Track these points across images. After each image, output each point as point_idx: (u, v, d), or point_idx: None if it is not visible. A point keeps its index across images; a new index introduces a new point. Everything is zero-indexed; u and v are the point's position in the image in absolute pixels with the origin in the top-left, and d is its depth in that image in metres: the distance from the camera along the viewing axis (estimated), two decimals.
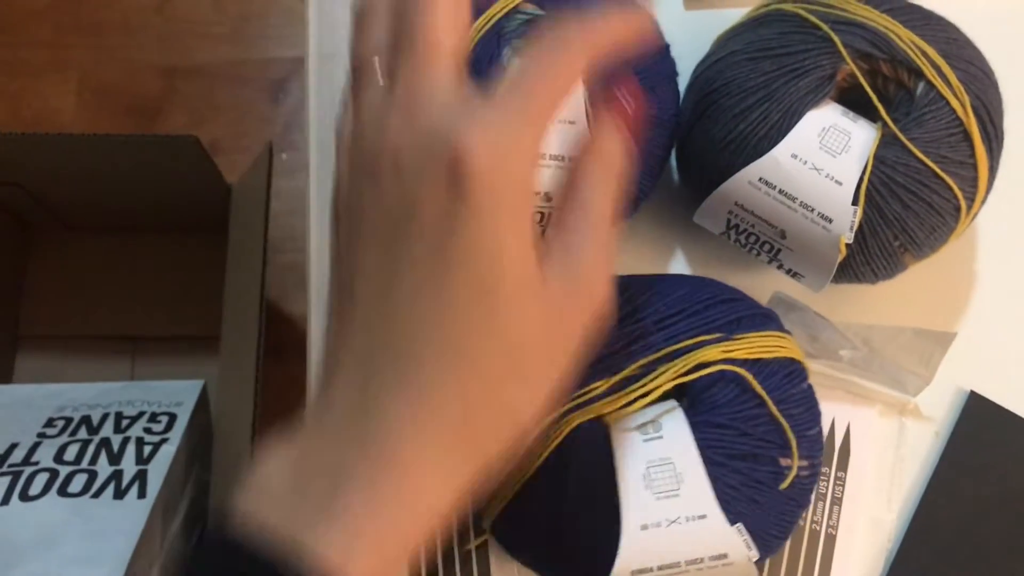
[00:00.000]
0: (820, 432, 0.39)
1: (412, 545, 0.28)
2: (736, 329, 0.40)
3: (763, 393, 0.37)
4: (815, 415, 0.39)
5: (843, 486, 0.44)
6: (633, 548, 0.35)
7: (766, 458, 0.36)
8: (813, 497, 0.45)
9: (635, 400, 0.38)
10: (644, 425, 0.36)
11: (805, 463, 0.37)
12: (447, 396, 0.27)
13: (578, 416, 0.37)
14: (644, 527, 0.35)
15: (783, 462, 0.36)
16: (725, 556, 0.36)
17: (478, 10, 0.42)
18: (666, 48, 0.45)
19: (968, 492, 0.45)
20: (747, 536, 0.36)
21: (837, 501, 0.44)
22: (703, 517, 0.35)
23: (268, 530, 0.27)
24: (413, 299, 0.28)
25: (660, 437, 0.36)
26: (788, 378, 0.39)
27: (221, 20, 1.17)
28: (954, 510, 0.44)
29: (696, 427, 0.37)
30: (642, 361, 0.39)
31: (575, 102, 0.40)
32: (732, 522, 0.35)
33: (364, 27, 0.31)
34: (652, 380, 0.38)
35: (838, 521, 0.44)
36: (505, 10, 0.43)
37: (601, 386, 0.38)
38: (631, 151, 0.30)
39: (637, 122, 0.30)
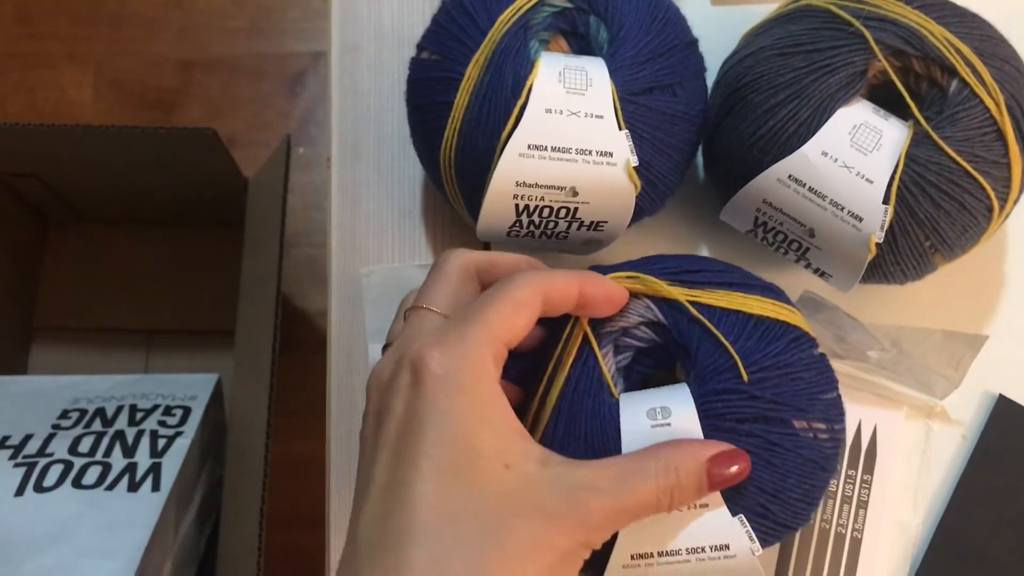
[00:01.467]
0: (839, 398, 0.38)
1: None
2: (724, 288, 0.39)
3: (721, 336, 0.37)
4: (830, 380, 0.38)
5: (869, 489, 0.44)
6: (634, 532, 0.35)
7: (777, 420, 0.36)
8: (838, 500, 0.44)
9: (635, 353, 0.39)
10: (653, 410, 0.36)
11: (823, 426, 0.36)
12: (429, 567, 0.29)
13: (580, 328, 0.38)
14: None
15: (797, 424, 0.36)
16: (727, 547, 0.35)
17: (504, 2, 0.42)
18: (694, 43, 0.44)
19: (996, 497, 0.44)
20: (748, 528, 0.35)
21: (863, 504, 0.44)
22: (704, 506, 0.35)
23: None
24: (388, 481, 0.31)
25: (668, 424, 0.35)
26: (794, 343, 0.38)
27: (239, 14, 1.17)
28: (981, 515, 0.44)
29: (703, 398, 0.36)
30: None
31: (602, 97, 0.40)
32: (776, 496, 0.35)
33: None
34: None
35: (863, 524, 0.43)
36: (531, 3, 0.42)
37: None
38: None
39: None
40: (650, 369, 0.40)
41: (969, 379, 0.44)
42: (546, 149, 0.40)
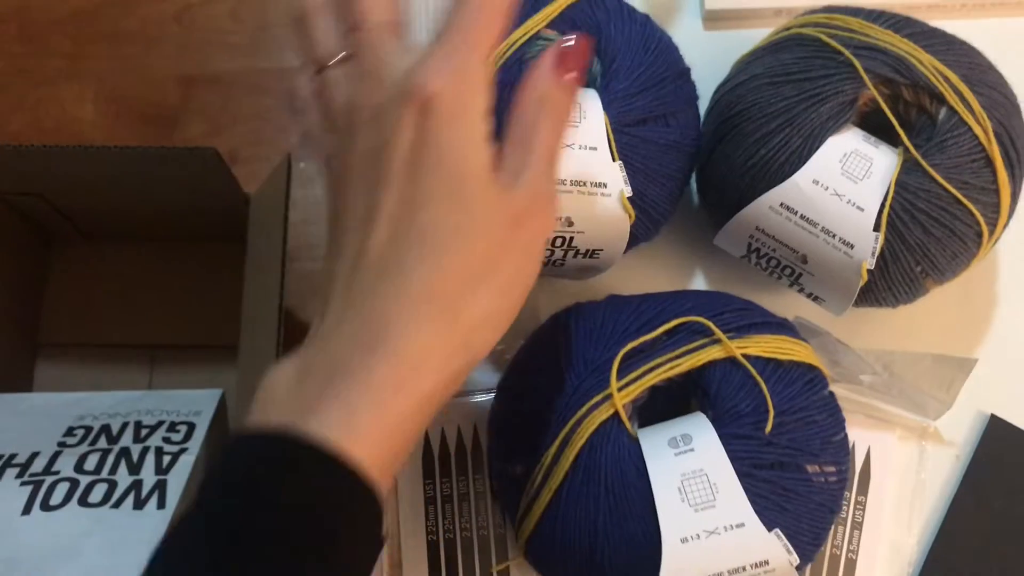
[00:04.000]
0: (846, 438, 0.39)
1: (410, 429, 0.31)
2: (748, 332, 0.40)
3: (767, 393, 0.38)
4: (839, 421, 0.39)
5: (863, 510, 0.44)
6: (675, 562, 0.35)
7: (792, 466, 0.37)
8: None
9: (649, 389, 0.39)
10: (674, 439, 0.37)
11: (832, 469, 0.37)
12: (431, 286, 0.31)
13: (598, 414, 0.38)
14: (684, 540, 0.36)
15: (810, 469, 0.37)
16: (766, 563, 0.36)
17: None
18: (686, 72, 0.45)
19: (989, 516, 0.45)
20: (785, 541, 0.36)
21: (857, 525, 0.44)
22: (741, 526, 0.35)
23: (272, 426, 0.29)
24: (394, 206, 0.31)
25: (692, 450, 0.36)
26: (808, 385, 0.39)
27: (239, 30, 1.17)
28: (975, 534, 0.45)
29: (721, 440, 0.37)
30: (658, 359, 0.39)
31: (595, 129, 0.41)
32: (769, 528, 0.36)
33: (308, 29, 0.36)
34: (665, 371, 0.39)
35: (858, 546, 0.44)
36: (526, 36, 0.43)
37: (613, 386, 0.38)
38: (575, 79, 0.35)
39: (578, 56, 0.34)
40: (664, 406, 0.41)
41: (961, 399, 0.45)
42: None
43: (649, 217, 0.43)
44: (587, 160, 0.41)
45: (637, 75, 0.43)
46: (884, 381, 0.44)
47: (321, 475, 0.28)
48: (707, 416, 0.39)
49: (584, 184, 0.41)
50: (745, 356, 0.39)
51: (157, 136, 1.10)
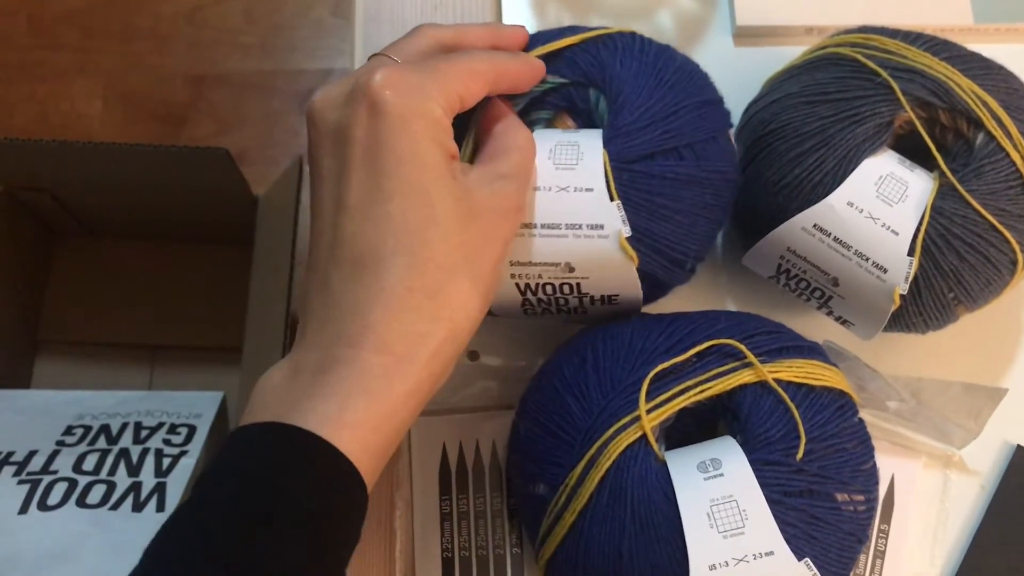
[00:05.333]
0: (875, 465, 0.38)
1: (401, 418, 0.32)
2: (780, 356, 0.39)
3: (799, 420, 0.37)
4: (868, 448, 0.38)
5: (886, 539, 0.44)
6: None
7: (822, 494, 0.36)
8: None
9: (681, 414, 0.39)
10: (703, 463, 0.36)
11: (861, 498, 0.37)
12: (409, 277, 0.32)
13: (625, 436, 0.37)
14: (712, 567, 0.35)
15: (839, 498, 0.36)
16: None
17: None
18: (712, 101, 0.42)
19: (1013, 547, 0.44)
20: (815, 571, 0.35)
21: (880, 555, 0.44)
22: (770, 554, 0.35)
23: (263, 421, 0.30)
24: (360, 195, 0.33)
25: (721, 475, 0.36)
26: (839, 411, 0.38)
27: (251, 30, 1.17)
28: (999, 566, 0.44)
29: (751, 466, 0.36)
30: (687, 382, 0.38)
31: (592, 170, 0.39)
32: (799, 557, 0.35)
33: None
34: (695, 394, 0.38)
35: (881, 574, 0.43)
36: None
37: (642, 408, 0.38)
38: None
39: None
40: (691, 428, 0.40)
41: (987, 429, 0.44)
42: (536, 227, 0.39)
43: (667, 257, 0.40)
44: (582, 202, 0.39)
45: (645, 109, 0.40)
46: (911, 408, 0.44)
47: (310, 462, 0.29)
48: (736, 440, 0.38)
49: (580, 227, 0.39)
50: (777, 381, 0.38)
51: (165, 134, 1.10)
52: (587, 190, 0.39)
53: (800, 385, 0.38)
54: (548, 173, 0.39)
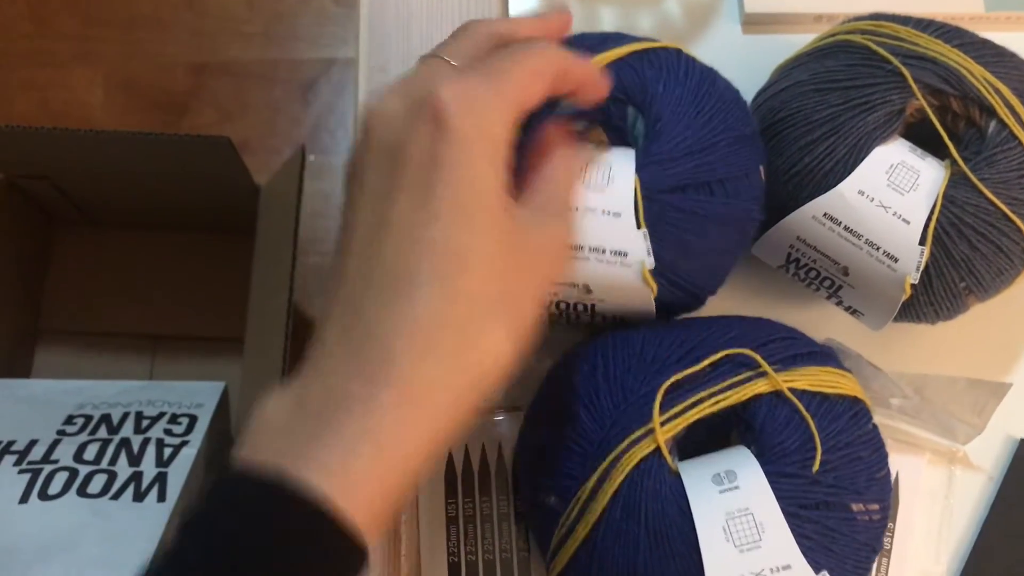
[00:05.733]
0: (888, 473, 0.38)
1: (410, 472, 0.28)
2: (794, 364, 0.39)
3: (815, 431, 0.37)
4: (883, 455, 0.38)
5: (891, 537, 0.43)
6: None
7: (838, 505, 0.35)
8: None
9: (694, 423, 0.38)
10: (718, 475, 0.36)
11: (876, 507, 0.36)
12: (443, 310, 0.29)
13: (639, 450, 0.37)
14: None
15: (855, 508, 0.36)
16: None
17: None
18: (749, 136, 0.41)
19: (1019, 542, 0.44)
20: None
21: (886, 553, 0.43)
22: (788, 568, 0.34)
23: (264, 466, 0.27)
24: (407, 214, 0.30)
25: (736, 487, 0.35)
26: (854, 419, 0.38)
27: (253, 19, 1.16)
28: (1004, 561, 0.43)
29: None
30: (702, 393, 0.38)
31: (622, 195, 0.38)
32: (816, 571, 0.34)
33: None
34: (709, 406, 0.37)
35: (886, 573, 0.43)
36: None
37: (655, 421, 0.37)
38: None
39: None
40: (703, 437, 0.39)
41: (991, 424, 0.44)
42: None
43: (685, 291, 0.40)
44: (609, 226, 0.38)
45: (683, 139, 0.39)
46: (914, 404, 0.43)
47: (307, 529, 0.26)
48: (751, 451, 0.37)
49: (603, 251, 0.38)
50: (792, 390, 0.37)
51: (166, 123, 1.10)
52: (615, 215, 0.38)
53: (815, 394, 0.38)
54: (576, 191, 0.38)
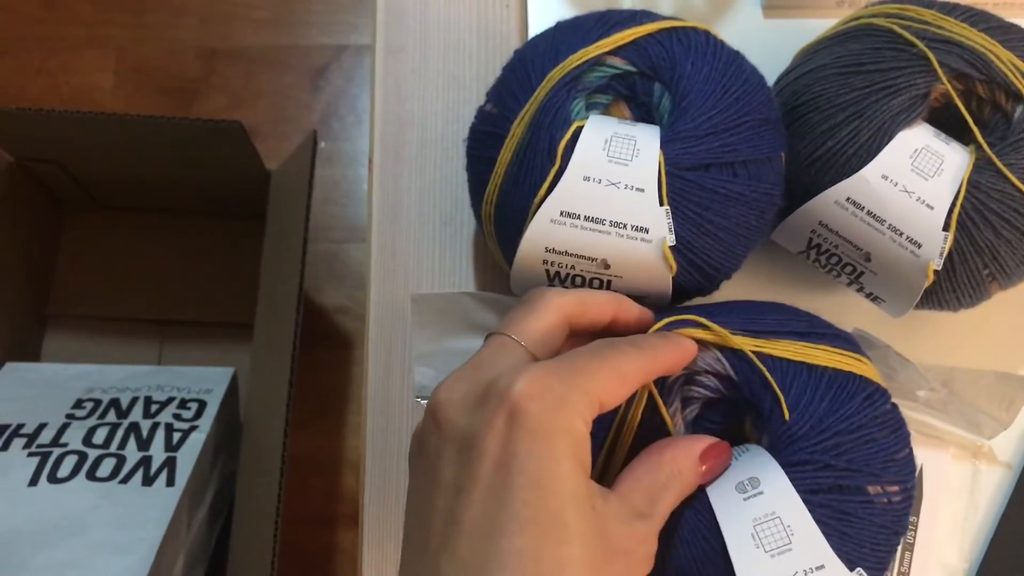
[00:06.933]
0: (910, 453, 0.37)
1: None
2: (801, 339, 0.38)
3: (783, 396, 0.36)
4: (903, 436, 0.37)
5: (915, 531, 0.43)
6: None
7: (852, 488, 0.35)
8: None
9: (701, 404, 0.38)
10: (742, 483, 0.35)
11: (896, 488, 0.36)
12: None
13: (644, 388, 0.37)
14: None
15: (871, 490, 0.35)
16: None
17: (560, 59, 0.40)
18: (771, 121, 0.41)
19: None
20: None
21: (909, 547, 0.43)
22: (821, 568, 0.33)
23: None
24: (478, 518, 0.29)
25: (761, 492, 0.35)
26: (868, 399, 0.37)
27: (264, 4, 1.16)
28: (1023, 557, 0.43)
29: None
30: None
31: (646, 170, 0.38)
32: (851, 567, 0.34)
33: None
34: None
35: (910, 568, 0.42)
36: (580, 60, 0.40)
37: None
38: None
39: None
40: (717, 424, 0.39)
41: (1017, 418, 0.43)
42: (579, 218, 0.38)
43: (701, 272, 0.40)
44: (631, 201, 0.38)
45: (708, 117, 0.39)
46: (940, 398, 0.43)
47: None
48: (761, 438, 0.37)
49: (624, 226, 0.38)
50: (771, 357, 0.37)
51: (176, 108, 1.09)
52: (638, 190, 0.38)
53: (824, 372, 0.37)
54: (600, 164, 0.38)
